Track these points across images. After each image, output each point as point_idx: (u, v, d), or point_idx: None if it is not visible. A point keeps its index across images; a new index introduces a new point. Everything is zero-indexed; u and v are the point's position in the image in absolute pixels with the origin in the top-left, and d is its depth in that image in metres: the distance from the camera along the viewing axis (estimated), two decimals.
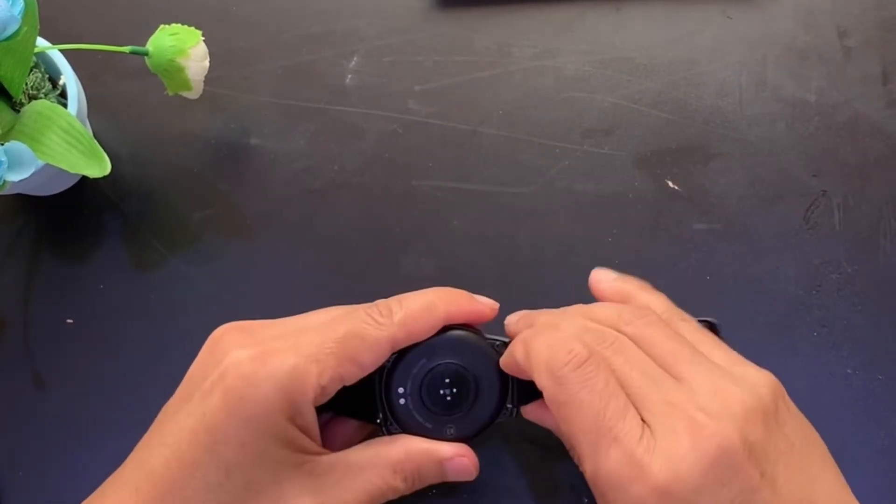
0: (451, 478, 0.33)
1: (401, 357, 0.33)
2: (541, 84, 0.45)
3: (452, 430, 0.33)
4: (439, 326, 0.33)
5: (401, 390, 0.33)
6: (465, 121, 0.45)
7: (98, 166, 0.36)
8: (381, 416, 0.33)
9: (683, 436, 0.26)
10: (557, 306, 0.41)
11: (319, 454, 0.31)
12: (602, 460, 0.27)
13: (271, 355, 0.30)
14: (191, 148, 0.45)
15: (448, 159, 0.44)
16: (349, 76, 0.46)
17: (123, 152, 0.45)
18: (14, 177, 0.34)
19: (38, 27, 0.35)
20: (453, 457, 0.32)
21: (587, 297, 0.40)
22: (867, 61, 0.45)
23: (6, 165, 0.33)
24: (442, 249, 0.42)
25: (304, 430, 0.30)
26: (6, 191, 0.35)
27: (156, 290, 0.42)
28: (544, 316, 0.34)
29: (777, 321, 0.41)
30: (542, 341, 0.30)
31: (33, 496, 0.39)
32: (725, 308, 0.41)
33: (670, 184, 0.43)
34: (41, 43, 0.38)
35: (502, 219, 0.43)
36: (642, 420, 0.28)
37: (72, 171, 0.35)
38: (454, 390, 0.33)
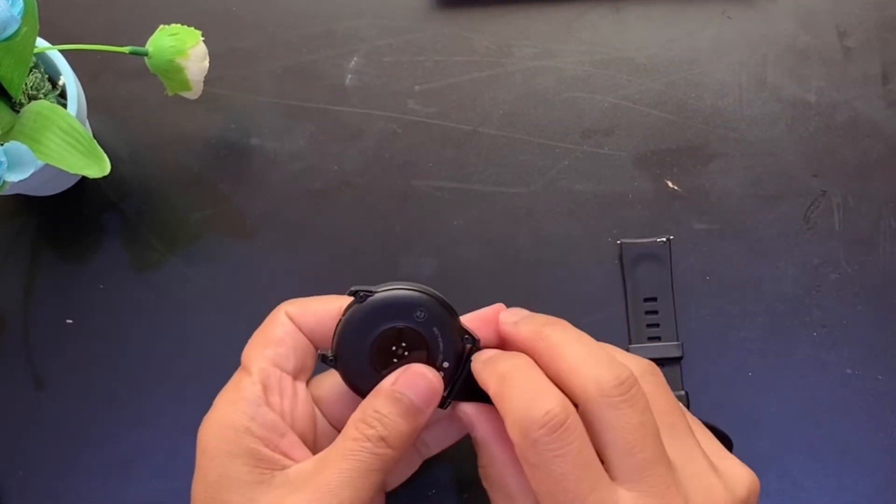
0: (419, 403, 0.30)
1: (346, 328, 0.31)
2: (541, 84, 0.45)
3: None
4: (335, 302, 0.32)
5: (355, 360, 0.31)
6: (465, 121, 0.45)
7: (98, 166, 0.36)
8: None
9: None
10: (557, 306, 0.41)
11: (290, 465, 0.30)
12: None
13: (222, 393, 0.31)
14: (191, 148, 0.45)
15: (448, 159, 0.44)
16: (349, 76, 0.46)
17: (123, 152, 0.45)
18: (14, 177, 0.34)
19: (38, 27, 0.35)
20: (394, 381, 0.30)
21: (588, 297, 0.40)
22: (867, 61, 0.45)
23: (6, 165, 0.33)
24: (442, 249, 0.42)
25: (268, 441, 0.29)
26: (6, 191, 0.35)
27: (156, 290, 0.42)
28: (546, 335, 0.30)
29: (777, 321, 0.41)
30: (520, 390, 0.28)
31: (33, 496, 0.39)
32: (725, 308, 0.41)
33: (670, 184, 0.43)
34: (41, 43, 0.38)
35: (502, 219, 0.43)
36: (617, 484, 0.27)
37: (71, 172, 0.35)
38: (405, 347, 0.31)
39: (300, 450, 0.30)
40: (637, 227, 0.42)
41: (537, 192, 0.43)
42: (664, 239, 0.41)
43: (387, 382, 0.30)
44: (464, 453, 0.39)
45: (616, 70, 0.45)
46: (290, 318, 0.32)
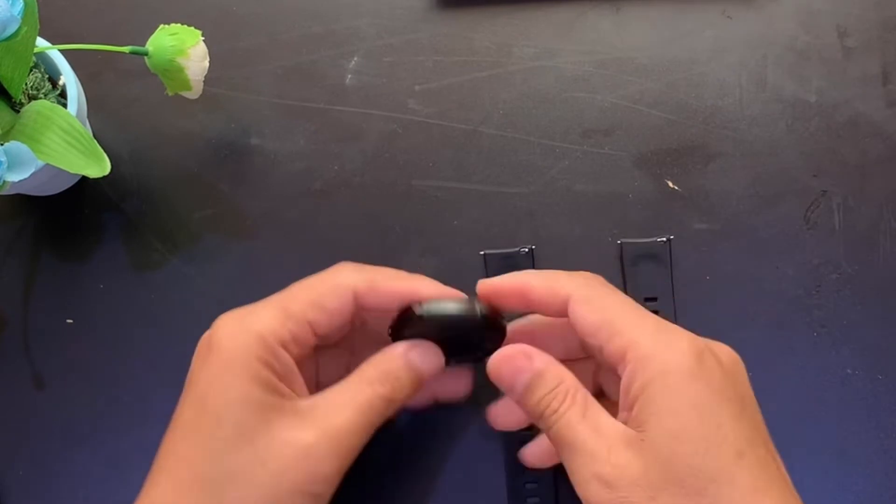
0: (426, 375, 0.34)
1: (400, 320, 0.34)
2: (541, 84, 0.45)
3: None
4: (404, 287, 0.34)
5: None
6: (465, 121, 0.45)
7: (98, 166, 0.36)
8: None
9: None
10: None
11: (301, 398, 0.32)
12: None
13: (252, 313, 0.33)
14: (191, 148, 0.45)
15: (448, 159, 0.44)
16: (349, 76, 0.46)
17: (123, 152, 0.45)
18: (14, 177, 0.34)
19: (38, 27, 0.35)
20: (407, 349, 0.33)
21: None
22: (867, 61, 0.45)
23: (6, 165, 0.33)
24: (442, 249, 0.42)
25: (282, 378, 0.31)
26: (6, 191, 0.35)
27: (156, 290, 0.42)
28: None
29: (777, 321, 0.41)
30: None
31: (33, 496, 0.39)
32: (725, 308, 0.41)
33: (670, 184, 0.43)
34: (41, 43, 0.38)
35: (502, 219, 0.43)
36: None
37: (72, 171, 0.35)
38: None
39: (304, 391, 0.33)
40: (637, 227, 0.42)
41: (537, 192, 0.43)
42: (664, 239, 0.41)
43: (402, 349, 0.33)
44: (463, 455, 0.39)
45: (616, 70, 0.45)
46: (354, 295, 0.34)
